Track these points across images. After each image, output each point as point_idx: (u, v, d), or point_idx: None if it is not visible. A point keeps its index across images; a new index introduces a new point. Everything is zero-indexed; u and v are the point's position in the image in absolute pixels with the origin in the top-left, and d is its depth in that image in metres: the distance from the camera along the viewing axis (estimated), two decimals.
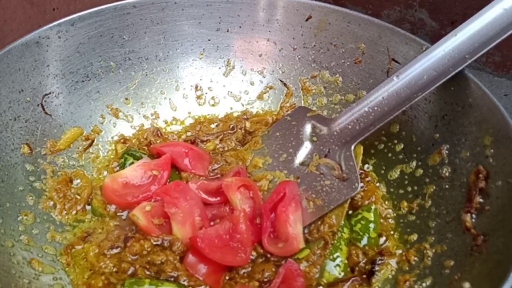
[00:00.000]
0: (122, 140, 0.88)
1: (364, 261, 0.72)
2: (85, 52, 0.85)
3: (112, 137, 0.88)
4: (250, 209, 0.75)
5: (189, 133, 0.90)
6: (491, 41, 0.67)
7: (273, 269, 0.70)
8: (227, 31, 0.92)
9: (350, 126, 0.76)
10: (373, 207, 0.77)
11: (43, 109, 0.81)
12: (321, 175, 0.76)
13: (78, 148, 0.84)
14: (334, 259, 0.71)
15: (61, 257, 0.72)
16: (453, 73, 0.69)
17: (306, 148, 0.78)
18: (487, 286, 0.57)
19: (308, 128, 0.79)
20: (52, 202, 0.78)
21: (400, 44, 0.81)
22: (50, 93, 0.82)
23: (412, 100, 0.72)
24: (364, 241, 0.74)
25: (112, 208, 0.79)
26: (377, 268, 0.70)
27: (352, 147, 0.76)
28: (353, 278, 0.69)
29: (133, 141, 0.89)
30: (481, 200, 0.66)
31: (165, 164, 0.81)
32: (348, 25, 0.86)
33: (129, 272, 0.69)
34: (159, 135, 0.89)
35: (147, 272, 0.69)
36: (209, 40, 0.93)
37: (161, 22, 0.90)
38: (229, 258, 0.69)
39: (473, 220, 0.66)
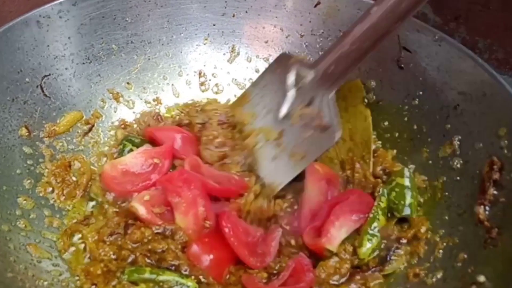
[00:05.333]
0: (122, 126, 0.85)
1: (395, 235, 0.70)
2: (86, 33, 0.82)
3: (113, 122, 0.86)
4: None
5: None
6: None
7: (284, 263, 0.68)
8: (233, 16, 0.90)
9: (332, 67, 0.71)
10: (406, 170, 0.75)
11: (42, 91, 0.78)
12: (303, 126, 0.73)
13: (78, 132, 0.82)
14: (371, 234, 0.68)
15: (58, 242, 0.70)
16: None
17: (290, 97, 0.75)
18: (503, 279, 0.56)
19: (292, 76, 0.75)
20: (50, 188, 0.75)
21: (411, 32, 0.79)
22: (49, 74, 0.79)
23: (391, 31, 0.68)
24: (406, 211, 0.71)
25: (111, 196, 0.76)
26: (392, 257, 0.68)
27: (332, 94, 0.72)
28: (373, 269, 0.67)
29: (134, 126, 0.86)
30: (495, 192, 0.64)
31: (166, 153, 0.79)
32: (358, 12, 0.83)
33: (129, 260, 0.66)
34: (160, 119, 0.87)
35: (148, 260, 0.66)
36: (214, 25, 0.90)
37: (165, 5, 0.87)
38: (244, 252, 0.67)
39: (487, 212, 0.64)
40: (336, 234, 0.68)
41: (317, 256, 0.69)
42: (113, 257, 0.67)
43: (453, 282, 0.62)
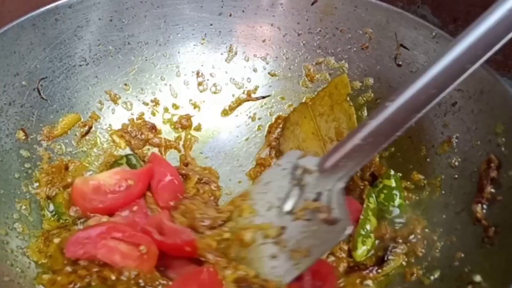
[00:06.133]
0: (120, 134, 0.86)
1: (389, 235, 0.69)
2: (82, 35, 0.82)
3: (110, 124, 0.86)
4: None
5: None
6: (492, 45, 0.58)
7: None
8: (230, 16, 0.89)
9: (342, 163, 0.68)
10: (391, 172, 0.74)
11: (39, 94, 0.78)
12: (308, 221, 0.68)
13: (76, 134, 0.82)
14: (364, 235, 0.69)
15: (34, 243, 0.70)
16: (453, 86, 0.61)
17: (295, 194, 0.71)
18: (499, 279, 0.56)
19: (298, 173, 0.72)
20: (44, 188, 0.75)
21: (409, 30, 0.78)
22: (46, 77, 0.79)
23: (408, 123, 0.63)
24: (395, 212, 0.71)
25: (73, 210, 0.75)
26: (390, 256, 0.68)
27: (343, 185, 0.68)
28: (371, 267, 0.67)
29: (129, 129, 0.86)
30: (492, 190, 0.64)
31: (142, 175, 0.77)
32: (355, 10, 0.83)
33: (85, 280, 0.65)
34: (155, 131, 0.87)
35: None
36: (211, 24, 0.90)
37: (161, 5, 0.87)
38: None
39: (484, 211, 0.64)
40: None
41: None
42: (70, 269, 0.66)
43: (450, 281, 0.61)
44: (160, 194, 0.77)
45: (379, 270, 0.68)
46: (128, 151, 0.85)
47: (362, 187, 0.76)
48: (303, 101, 0.88)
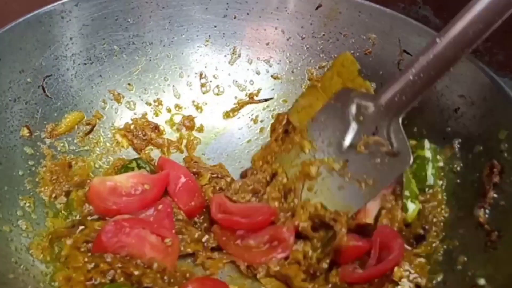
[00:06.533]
0: (123, 133, 0.86)
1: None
2: (88, 34, 0.82)
3: (113, 123, 0.86)
4: None
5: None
6: None
7: None
8: (234, 18, 0.90)
9: (396, 98, 0.70)
10: (426, 141, 0.75)
11: (44, 91, 0.78)
12: (370, 154, 0.73)
13: (79, 133, 0.82)
14: (409, 196, 0.72)
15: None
16: (500, 21, 0.63)
17: (353, 129, 0.75)
18: (503, 282, 0.56)
19: (353, 109, 0.75)
20: (47, 186, 0.75)
21: (412, 35, 0.79)
22: (51, 75, 0.79)
23: (459, 58, 0.66)
24: (430, 180, 0.73)
25: (87, 209, 0.75)
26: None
27: (400, 120, 0.71)
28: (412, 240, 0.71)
29: (132, 127, 0.86)
30: (495, 195, 0.65)
31: (158, 180, 0.77)
32: (359, 15, 0.84)
33: (109, 276, 0.65)
34: (158, 131, 0.87)
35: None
36: (215, 26, 0.90)
37: (167, 6, 0.87)
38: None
39: (487, 215, 0.64)
40: (372, 207, 0.73)
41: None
42: (90, 266, 0.66)
43: (453, 285, 0.62)
44: (180, 197, 0.77)
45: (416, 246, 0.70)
46: (131, 150, 0.85)
47: None
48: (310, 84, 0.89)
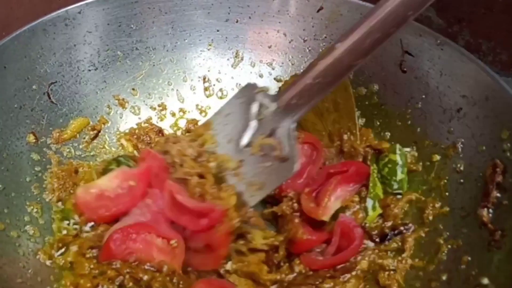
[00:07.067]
0: (128, 138, 0.87)
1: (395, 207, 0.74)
2: (91, 40, 0.83)
3: (118, 128, 0.87)
4: None
5: None
6: None
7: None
8: (236, 22, 0.90)
9: (294, 101, 0.70)
10: (398, 146, 0.78)
11: (49, 98, 0.79)
12: (263, 156, 0.72)
13: (84, 138, 0.83)
14: (372, 197, 0.75)
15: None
16: (395, 32, 0.63)
17: (252, 128, 0.73)
18: (506, 281, 0.56)
19: (255, 107, 0.74)
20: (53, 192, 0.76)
21: (414, 36, 0.79)
22: (56, 81, 0.80)
23: (355, 66, 0.66)
24: (395, 185, 0.76)
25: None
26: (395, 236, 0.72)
27: (295, 124, 0.71)
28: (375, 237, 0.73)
29: (137, 132, 0.87)
30: (498, 194, 0.65)
31: (142, 174, 0.76)
32: (361, 17, 0.83)
33: (117, 282, 0.65)
34: (162, 135, 0.88)
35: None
36: (217, 30, 0.91)
37: (169, 11, 0.88)
38: None
39: (490, 215, 0.64)
40: (332, 206, 0.73)
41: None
42: (96, 272, 0.66)
43: (457, 284, 0.62)
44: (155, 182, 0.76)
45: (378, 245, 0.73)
46: (136, 154, 0.86)
47: (363, 153, 0.80)
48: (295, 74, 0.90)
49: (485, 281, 0.59)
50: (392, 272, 0.68)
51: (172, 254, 0.69)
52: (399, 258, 0.70)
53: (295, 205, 0.75)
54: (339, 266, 0.70)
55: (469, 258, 0.63)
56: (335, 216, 0.73)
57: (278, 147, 0.70)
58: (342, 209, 0.74)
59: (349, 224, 0.71)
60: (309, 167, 0.79)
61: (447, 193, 0.72)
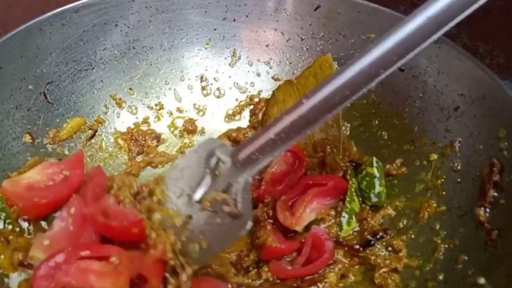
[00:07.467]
0: (125, 138, 0.87)
1: (372, 220, 0.75)
2: (88, 40, 0.83)
3: (115, 128, 0.87)
4: None
5: None
6: (408, 52, 0.59)
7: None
8: (234, 21, 0.90)
9: (254, 156, 0.66)
10: (374, 159, 0.78)
11: (46, 98, 0.79)
12: (214, 212, 0.68)
13: (81, 138, 0.83)
14: (348, 212, 0.75)
15: None
16: (365, 89, 0.61)
17: (206, 183, 0.70)
18: (502, 281, 0.56)
19: (212, 161, 0.70)
20: None
21: None
22: (52, 81, 0.80)
23: (320, 122, 0.63)
24: (373, 198, 0.77)
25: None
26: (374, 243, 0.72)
27: (251, 178, 0.67)
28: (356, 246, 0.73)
29: (134, 131, 0.87)
30: (495, 194, 0.65)
31: (77, 162, 0.73)
32: (358, 15, 0.84)
33: None
34: (158, 141, 0.88)
35: None
36: (215, 29, 0.91)
37: (166, 10, 0.88)
38: None
39: (487, 214, 0.64)
40: (306, 217, 0.74)
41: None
42: None
43: (454, 284, 0.62)
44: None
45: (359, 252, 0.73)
46: None
47: (344, 168, 0.80)
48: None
49: (482, 280, 0.59)
50: (387, 271, 0.68)
51: (116, 274, 0.61)
52: (395, 257, 0.70)
53: (270, 211, 0.75)
54: (307, 278, 0.70)
55: (466, 258, 0.63)
56: (308, 228, 0.74)
57: (231, 203, 0.66)
58: (317, 221, 0.75)
59: (321, 236, 0.72)
60: (289, 175, 0.80)
61: (444, 192, 0.71)
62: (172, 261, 0.64)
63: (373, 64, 0.60)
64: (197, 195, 0.70)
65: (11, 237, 0.66)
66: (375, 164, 0.78)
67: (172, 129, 0.90)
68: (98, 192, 0.69)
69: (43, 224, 0.70)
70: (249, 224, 0.64)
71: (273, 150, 0.65)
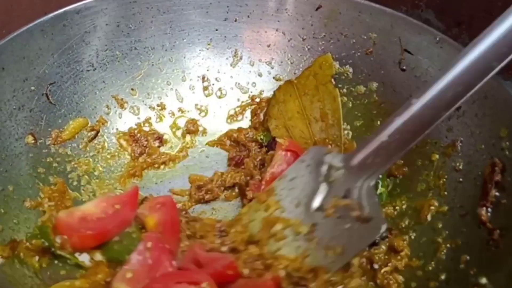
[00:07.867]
0: (127, 138, 0.87)
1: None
2: (90, 41, 0.83)
3: (118, 128, 0.87)
4: None
5: None
6: None
7: None
8: (235, 21, 0.90)
9: (369, 161, 0.66)
10: None
11: (48, 99, 0.79)
12: (340, 218, 0.68)
13: (83, 138, 0.83)
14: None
15: None
16: (481, 84, 0.60)
17: (323, 190, 0.70)
18: (504, 281, 0.56)
19: (324, 169, 0.71)
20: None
21: (413, 35, 0.79)
22: (54, 82, 0.80)
23: (436, 121, 0.62)
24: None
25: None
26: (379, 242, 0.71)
27: (373, 183, 0.68)
28: None
29: (136, 132, 0.87)
30: (497, 193, 0.64)
31: (129, 197, 0.74)
32: (359, 15, 0.84)
33: None
34: (161, 142, 0.88)
35: None
36: (216, 30, 0.91)
37: (167, 11, 0.88)
38: None
39: (489, 214, 0.64)
40: None
41: None
42: None
43: (455, 284, 0.62)
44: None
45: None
46: None
47: None
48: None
49: (484, 280, 0.59)
50: (389, 271, 0.68)
51: None
52: (397, 257, 0.69)
53: None
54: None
55: (468, 258, 0.63)
56: None
57: (356, 208, 0.66)
58: None
59: None
60: None
61: (446, 192, 0.71)
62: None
63: (484, 56, 0.58)
64: (316, 203, 0.70)
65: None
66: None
67: (174, 129, 0.90)
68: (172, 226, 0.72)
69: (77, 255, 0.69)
70: (384, 227, 0.65)
71: (390, 153, 0.65)
